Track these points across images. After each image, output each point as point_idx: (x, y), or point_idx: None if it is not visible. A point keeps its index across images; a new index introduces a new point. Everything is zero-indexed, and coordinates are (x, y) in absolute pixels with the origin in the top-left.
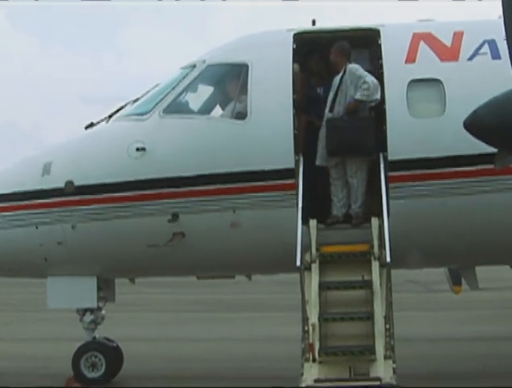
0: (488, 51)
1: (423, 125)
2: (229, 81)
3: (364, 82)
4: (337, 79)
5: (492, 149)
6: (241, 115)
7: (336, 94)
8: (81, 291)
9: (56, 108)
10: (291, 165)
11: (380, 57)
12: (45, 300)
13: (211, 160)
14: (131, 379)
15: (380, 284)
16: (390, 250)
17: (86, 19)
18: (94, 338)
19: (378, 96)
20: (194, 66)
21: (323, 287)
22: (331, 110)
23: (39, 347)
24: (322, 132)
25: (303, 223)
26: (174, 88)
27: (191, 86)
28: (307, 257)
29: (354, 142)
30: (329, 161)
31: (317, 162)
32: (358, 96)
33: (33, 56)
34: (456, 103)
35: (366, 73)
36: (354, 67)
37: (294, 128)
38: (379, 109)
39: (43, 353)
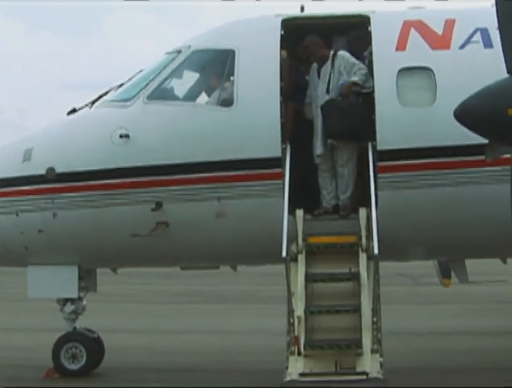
0: (481, 39)
1: (413, 115)
2: (215, 67)
3: (360, 68)
4: (327, 67)
5: (483, 140)
6: (226, 103)
7: (329, 81)
8: (62, 280)
9: (40, 95)
10: (278, 154)
11: (370, 44)
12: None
13: (196, 148)
14: (112, 371)
15: (368, 277)
16: (378, 241)
17: (72, 5)
18: (75, 328)
19: (371, 84)
20: (179, 52)
21: (309, 279)
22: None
23: (19, 337)
24: (317, 122)
25: (289, 213)
26: (158, 74)
27: (176, 72)
28: (293, 248)
29: (355, 126)
30: (327, 149)
31: (318, 152)
32: (356, 78)
33: (17, 42)
34: (447, 92)
35: (357, 61)
36: (346, 54)
37: (281, 116)
38: (368, 97)
39: (22, 344)
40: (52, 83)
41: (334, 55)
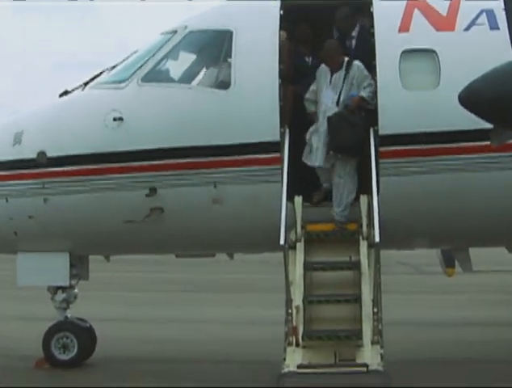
0: (486, 21)
1: (416, 98)
2: (212, 48)
3: (370, 84)
4: (340, 74)
5: (488, 125)
6: (223, 85)
7: (341, 91)
8: (53, 268)
9: (31, 75)
10: (277, 138)
11: (372, 26)
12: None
13: (192, 131)
14: (104, 361)
15: (369, 265)
16: (379, 229)
17: None
18: (66, 318)
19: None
20: (175, 32)
21: (308, 267)
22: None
23: (8, 326)
24: (322, 129)
25: (288, 200)
26: (153, 55)
27: (172, 53)
28: (292, 236)
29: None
30: (329, 160)
31: (318, 163)
32: (364, 95)
33: (7, 21)
34: (451, 75)
35: (369, 74)
36: (361, 65)
37: (280, 100)
38: (371, 114)
39: (12, 333)
40: (43, 63)
41: (349, 63)
